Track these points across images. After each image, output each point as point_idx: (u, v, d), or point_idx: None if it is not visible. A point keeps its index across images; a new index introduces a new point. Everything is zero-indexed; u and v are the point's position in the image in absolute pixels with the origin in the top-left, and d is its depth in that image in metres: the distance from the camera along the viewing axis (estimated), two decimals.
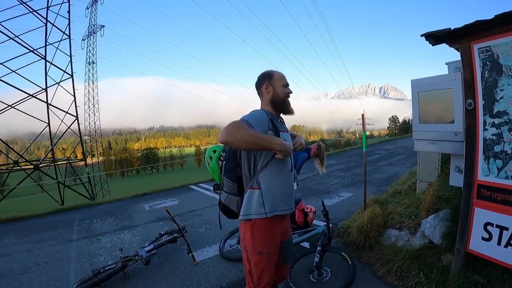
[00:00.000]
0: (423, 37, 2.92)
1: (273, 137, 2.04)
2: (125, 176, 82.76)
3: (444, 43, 2.93)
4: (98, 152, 42.40)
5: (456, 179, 3.45)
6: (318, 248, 3.67)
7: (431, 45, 3.00)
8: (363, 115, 5.76)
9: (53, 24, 21.39)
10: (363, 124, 5.71)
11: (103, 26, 37.05)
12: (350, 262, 3.51)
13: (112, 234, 6.32)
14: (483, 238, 2.69)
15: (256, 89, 2.33)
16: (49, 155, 22.66)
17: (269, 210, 2.09)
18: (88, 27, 37.32)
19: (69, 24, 23.44)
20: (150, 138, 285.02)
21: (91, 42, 38.21)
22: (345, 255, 3.61)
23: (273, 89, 2.25)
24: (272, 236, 2.14)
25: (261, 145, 1.96)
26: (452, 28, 2.70)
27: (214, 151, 2.43)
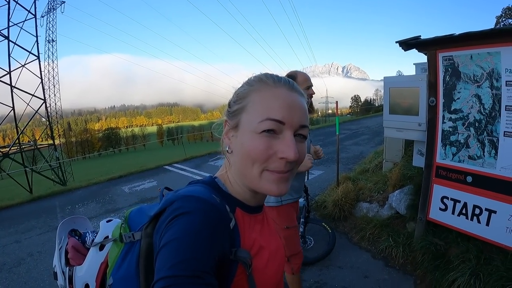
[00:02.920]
0: (397, 43, 3.46)
1: None
2: (86, 158, 79.76)
3: (415, 49, 3.49)
4: (59, 134, 40.28)
5: (418, 161, 4.10)
6: (302, 219, 4.16)
7: (403, 50, 3.55)
8: (337, 102, 6.34)
9: (17, 2, 19.60)
10: (336, 110, 6.29)
11: (64, 2, 34.55)
12: (330, 231, 4.12)
13: (98, 218, 6.34)
14: (440, 209, 3.36)
15: None
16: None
17: (284, 199, 2.38)
18: (48, 3, 34.62)
19: (34, 2, 21.53)
20: (111, 117, 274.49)
21: (51, 19, 35.49)
22: (325, 225, 4.22)
23: None
24: (291, 213, 2.51)
25: None
26: (422, 38, 3.25)
27: None
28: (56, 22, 36.02)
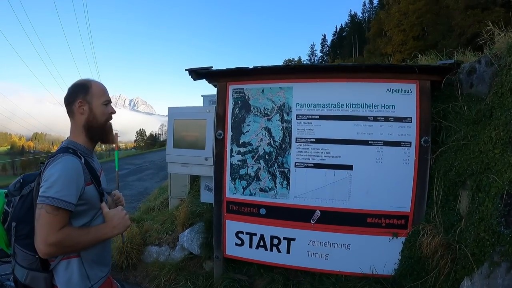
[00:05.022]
0: (187, 71, 3.27)
1: (105, 226, 1.56)
2: None
3: (204, 79, 3.38)
4: None
5: (206, 196, 3.95)
6: None
7: (192, 79, 3.38)
8: (116, 133, 5.67)
9: None
10: (116, 143, 5.62)
11: None
12: (118, 286, 3.40)
13: None
14: (236, 244, 3.27)
15: (66, 107, 1.63)
16: None
17: (95, 281, 1.60)
18: None
19: None
20: None
21: None
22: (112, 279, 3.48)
23: (90, 109, 1.61)
24: None
25: (98, 241, 1.54)
26: (213, 69, 3.17)
27: None
28: None
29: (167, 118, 3.88)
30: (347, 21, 76.04)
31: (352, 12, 74.77)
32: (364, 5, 71.79)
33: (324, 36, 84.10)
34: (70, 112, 1.62)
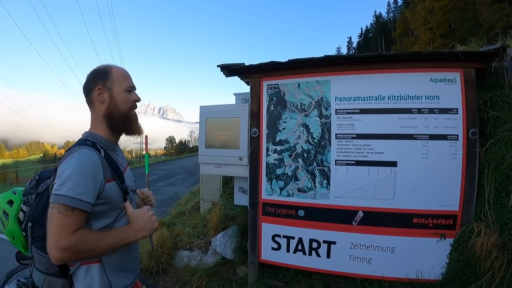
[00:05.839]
0: (219, 68, 3.16)
1: (128, 228, 1.37)
2: None
3: (237, 76, 3.27)
4: None
5: (241, 199, 3.80)
6: None
7: (225, 76, 3.28)
8: (146, 136, 5.66)
9: None
10: (146, 146, 5.61)
11: None
12: None
13: None
14: (273, 248, 3.12)
15: (85, 96, 1.48)
16: None
17: None
18: None
19: None
20: None
21: None
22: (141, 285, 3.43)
23: (110, 96, 1.45)
24: None
25: (120, 246, 1.35)
26: (246, 64, 3.05)
27: (11, 202, 1.46)
28: None
29: (195, 125, 3.76)
30: (372, 22, 74.54)
31: (377, 13, 73.12)
32: (389, 4, 70.12)
33: (350, 38, 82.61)
34: (89, 101, 1.47)
